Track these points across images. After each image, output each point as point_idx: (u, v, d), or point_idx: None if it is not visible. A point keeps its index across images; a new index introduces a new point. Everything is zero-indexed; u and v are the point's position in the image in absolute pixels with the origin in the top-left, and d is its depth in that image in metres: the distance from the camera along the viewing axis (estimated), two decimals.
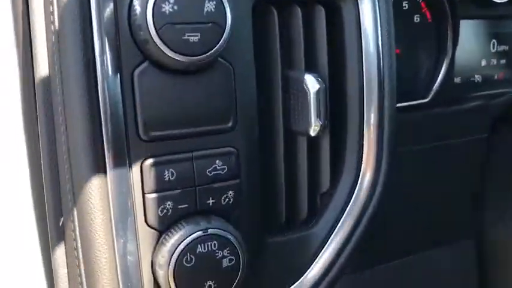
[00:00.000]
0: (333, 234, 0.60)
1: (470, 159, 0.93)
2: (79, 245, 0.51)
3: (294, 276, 0.59)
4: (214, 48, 0.48)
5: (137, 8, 0.46)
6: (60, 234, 0.53)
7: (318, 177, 0.61)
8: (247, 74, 0.53)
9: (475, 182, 0.98)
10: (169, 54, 0.46)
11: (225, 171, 0.52)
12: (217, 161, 0.52)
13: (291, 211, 0.61)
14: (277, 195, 0.59)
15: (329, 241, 0.60)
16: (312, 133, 0.56)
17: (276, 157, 0.59)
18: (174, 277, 0.50)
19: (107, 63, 0.47)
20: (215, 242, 0.50)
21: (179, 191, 0.50)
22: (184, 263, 0.49)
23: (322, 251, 0.59)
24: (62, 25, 0.47)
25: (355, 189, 0.60)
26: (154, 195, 0.50)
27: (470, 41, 0.83)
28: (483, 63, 0.85)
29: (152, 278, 0.51)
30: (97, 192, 0.48)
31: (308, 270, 0.59)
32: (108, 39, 0.47)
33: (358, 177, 0.60)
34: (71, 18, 0.46)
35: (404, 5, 0.77)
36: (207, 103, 0.51)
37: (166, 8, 0.46)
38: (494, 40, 0.86)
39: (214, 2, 0.47)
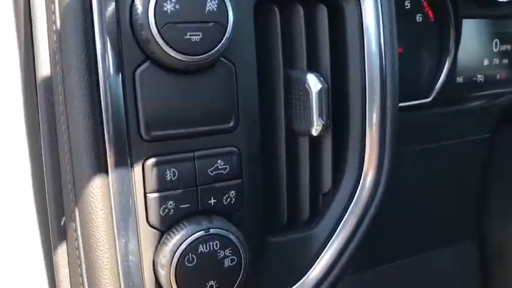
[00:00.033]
0: (335, 234, 0.59)
1: (472, 160, 0.93)
2: (80, 244, 0.51)
3: (296, 276, 0.59)
4: (216, 48, 0.48)
5: (139, 7, 0.46)
6: (62, 234, 0.53)
7: (320, 177, 0.61)
8: (249, 73, 0.53)
9: (477, 183, 0.97)
10: (171, 54, 0.46)
11: (226, 171, 0.52)
12: (219, 161, 0.52)
13: (292, 211, 0.60)
14: (279, 195, 0.59)
15: (331, 241, 0.59)
16: (314, 133, 0.56)
17: (278, 157, 0.59)
18: (175, 277, 0.49)
19: (108, 62, 0.47)
20: (217, 241, 0.50)
21: (181, 190, 0.50)
22: (186, 262, 0.49)
23: (324, 251, 0.59)
24: (64, 24, 0.47)
25: (357, 189, 0.60)
26: (156, 194, 0.49)
27: (472, 40, 0.83)
28: (485, 62, 0.85)
29: (154, 277, 0.51)
30: (99, 192, 0.48)
31: (310, 271, 0.59)
32: (110, 39, 0.47)
33: (360, 177, 0.60)
34: (73, 17, 0.46)
35: (406, 4, 0.77)
36: (208, 103, 0.51)
37: (168, 7, 0.46)
38: (496, 40, 0.85)
39: (216, 1, 0.47)
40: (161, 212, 0.50)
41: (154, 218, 0.50)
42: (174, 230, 0.50)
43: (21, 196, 0.55)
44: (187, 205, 0.51)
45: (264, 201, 0.57)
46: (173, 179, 0.50)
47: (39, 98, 0.52)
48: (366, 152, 0.59)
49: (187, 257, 0.49)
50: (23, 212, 0.56)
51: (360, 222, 0.60)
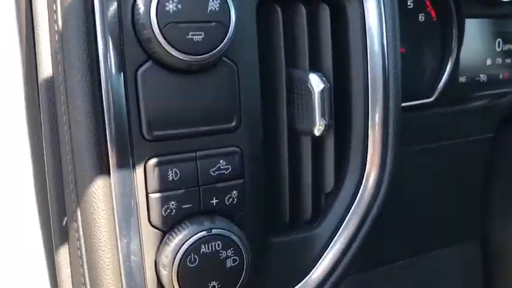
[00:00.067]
0: (337, 234, 0.59)
1: (475, 160, 0.93)
2: (82, 244, 0.51)
3: (298, 276, 0.59)
4: (218, 47, 0.48)
5: (141, 7, 0.46)
6: (64, 234, 0.53)
7: (322, 177, 0.61)
8: (251, 73, 0.53)
9: (480, 183, 0.97)
10: (173, 54, 0.46)
11: (228, 171, 0.52)
12: (221, 161, 0.51)
13: (295, 211, 0.60)
14: (281, 195, 0.59)
15: (333, 241, 0.59)
16: (317, 133, 0.56)
17: (280, 157, 0.58)
18: (177, 277, 0.49)
19: (110, 62, 0.47)
20: (219, 242, 0.50)
21: (183, 190, 0.50)
22: (188, 263, 0.49)
23: (327, 251, 0.59)
24: (66, 24, 0.47)
25: (359, 189, 0.60)
26: (157, 195, 0.49)
27: (475, 40, 0.83)
28: (488, 62, 0.84)
29: (156, 278, 0.51)
30: (100, 192, 0.48)
31: (312, 271, 0.59)
32: (112, 38, 0.47)
33: (363, 177, 0.59)
34: (75, 17, 0.46)
35: (409, 3, 0.77)
36: (210, 102, 0.50)
37: (170, 6, 0.45)
38: (499, 39, 0.85)
39: (218, 1, 0.47)
40: (163, 212, 0.50)
41: (156, 218, 0.50)
42: (176, 230, 0.50)
43: (23, 196, 0.55)
44: (189, 205, 0.50)
45: (266, 201, 0.56)
46: (175, 179, 0.50)
47: (41, 98, 0.52)
48: (368, 152, 0.59)
49: (189, 257, 0.49)
50: (24, 211, 0.56)
51: (362, 223, 0.60)
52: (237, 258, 0.51)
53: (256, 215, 0.55)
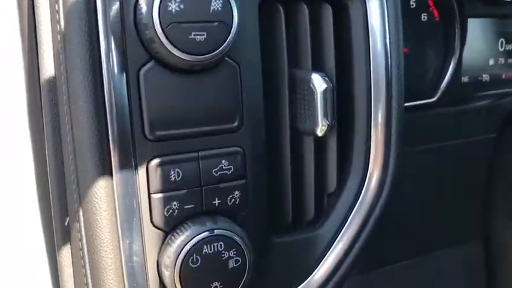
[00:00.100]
0: (340, 234, 0.59)
1: (477, 160, 0.93)
2: (85, 245, 0.51)
3: (301, 277, 0.59)
4: (221, 47, 0.47)
5: (143, 6, 0.46)
6: (66, 235, 0.53)
7: (325, 177, 0.60)
8: (253, 73, 0.53)
9: (482, 183, 0.97)
10: (176, 54, 0.46)
11: (231, 171, 0.52)
12: (223, 161, 0.51)
13: (297, 211, 0.60)
14: (284, 195, 0.59)
15: (336, 242, 0.59)
16: (319, 133, 0.55)
17: (283, 157, 0.58)
18: (180, 278, 0.49)
19: (112, 62, 0.47)
20: (221, 242, 0.50)
21: (185, 191, 0.50)
22: (190, 263, 0.49)
23: (329, 251, 0.59)
24: (68, 24, 0.47)
25: (362, 189, 0.59)
26: (160, 195, 0.49)
27: (478, 39, 0.83)
28: (491, 62, 0.84)
29: (158, 278, 0.51)
30: (103, 193, 0.48)
31: (315, 271, 0.59)
32: (114, 38, 0.47)
33: (366, 178, 0.59)
34: (77, 17, 0.46)
35: (412, 3, 0.77)
36: (213, 102, 0.50)
37: (173, 6, 0.45)
38: (502, 39, 0.85)
39: (220, 1, 0.47)
40: (165, 213, 0.50)
41: (158, 219, 0.50)
42: (178, 230, 0.50)
43: (25, 196, 0.55)
44: (192, 205, 0.50)
45: (269, 201, 0.56)
46: (177, 179, 0.49)
47: (43, 98, 0.52)
48: (371, 152, 0.59)
49: (191, 258, 0.49)
50: (26, 212, 0.56)
51: (365, 223, 0.59)
52: (240, 259, 0.51)
53: (259, 215, 0.55)
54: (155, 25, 0.45)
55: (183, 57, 0.46)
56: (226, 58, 0.50)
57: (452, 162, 0.88)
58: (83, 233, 0.50)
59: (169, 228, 0.50)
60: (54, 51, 0.50)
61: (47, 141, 0.52)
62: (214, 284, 0.50)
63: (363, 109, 0.58)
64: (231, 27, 0.48)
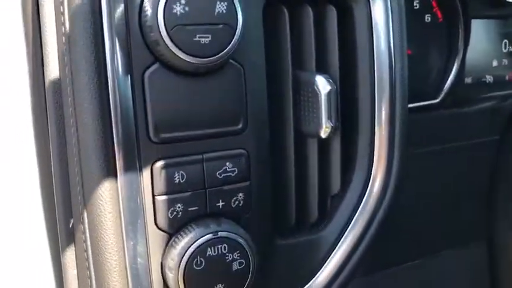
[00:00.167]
0: (344, 236, 0.59)
1: (481, 162, 0.92)
2: (89, 246, 0.51)
3: (304, 279, 0.59)
4: (226, 50, 0.47)
5: (148, 9, 0.46)
6: (70, 236, 0.53)
7: (329, 179, 0.60)
8: (257, 75, 0.53)
9: (486, 184, 0.97)
10: (180, 56, 0.46)
11: (235, 173, 0.52)
12: (227, 163, 0.51)
13: (301, 213, 0.60)
14: (288, 197, 0.59)
15: (339, 244, 0.59)
16: (323, 135, 0.55)
17: (287, 159, 0.58)
18: (184, 280, 0.49)
19: (117, 64, 0.47)
20: (225, 245, 0.50)
21: (189, 193, 0.50)
22: (194, 266, 0.49)
23: (333, 253, 0.59)
24: (73, 26, 0.47)
25: (366, 191, 0.59)
26: (164, 197, 0.49)
27: (481, 41, 0.82)
28: (494, 63, 0.84)
29: (162, 280, 0.51)
30: (107, 194, 0.48)
31: (318, 273, 0.59)
32: (119, 41, 0.47)
33: (369, 180, 0.59)
34: (82, 19, 0.46)
35: (415, 4, 0.77)
36: (217, 105, 0.50)
37: (178, 9, 0.45)
38: (505, 40, 0.85)
39: (225, 3, 0.47)
40: (169, 215, 0.50)
41: (162, 221, 0.50)
42: (182, 232, 0.50)
43: (29, 197, 0.55)
44: (196, 208, 0.50)
45: (272, 203, 0.56)
46: (181, 181, 0.50)
47: (47, 100, 0.52)
48: (374, 154, 0.59)
49: (195, 260, 0.49)
50: (31, 213, 0.56)
51: (368, 225, 0.59)
52: (243, 261, 0.51)
53: (263, 217, 0.55)
54: (160, 27, 0.45)
55: (188, 60, 0.46)
56: (231, 60, 0.50)
57: (456, 164, 0.88)
58: (88, 234, 0.50)
59: (174, 230, 0.50)
60: (59, 53, 0.50)
61: (52, 143, 0.52)
62: (218, 286, 0.50)
63: (367, 111, 0.58)
64: (236, 30, 0.48)
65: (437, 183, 0.88)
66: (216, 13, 0.47)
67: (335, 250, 0.59)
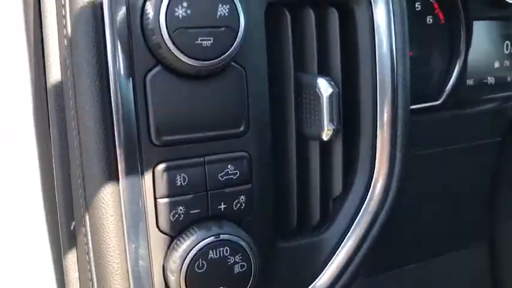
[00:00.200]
0: (345, 239, 0.59)
1: (482, 163, 0.92)
2: (91, 249, 0.51)
3: (306, 281, 0.59)
4: (227, 53, 0.47)
5: (150, 12, 0.46)
6: (72, 239, 0.53)
7: (330, 181, 0.60)
8: (259, 77, 0.53)
9: (488, 186, 0.97)
10: (182, 59, 0.46)
11: (236, 176, 0.52)
12: (229, 166, 0.51)
13: (303, 216, 0.60)
14: (289, 199, 0.59)
15: (341, 246, 0.59)
16: (325, 137, 0.55)
17: (288, 161, 0.58)
18: (185, 282, 0.49)
19: (119, 67, 0.47)
20: (227, 247, 0.50)
21: (191, 196, 0.50)
22: (196, 268, 0.49)
23: (334, 256, 0.59)
24: (75, 29, 0.47)
25: (367, 193, 0.59)
26: (166, 200, 0.49)
27: (483, 42, 0.82)
28: (496, 65, 0.84)
29: (164, 283, 0.51)
30: (109, 197, 0.48)
31: (320, 276, 0.59)
32: (121, 43, 0.47)
33: (371, 182, 0.59)
34: (84, 22, 0.46)
35: (417, 5, 0.76)
36: (219, 107, 0.50)
37: (180, 12, 0.45)
38: (507, 41, 0.84)
39: (227, 6, 0.47)
40: (171, 218, 0.50)
41: (164, 224, 0.50)
42: (184, 235, 0.50)
43: (31, 201, 0.55)
44: (197, 210, 0.50)
45: (274, 206, 0.56)
46: (183, 184, 0.50)
47: (49, 102, 0.52)
48: (376, 156, 0.59)
49: (197, 263, 0.49)
50: (32, 216, 0.56)
51: (370, 227, 0.59)
52: (245, 264, 0.51)
53: (264, 220, 0.55)
54: (162, 30, 0.45)
55: (190, 63, 0.46)
56: (233, 63, 0.50)
57: (457, 166, 0.88)
58: (89, 237, 0.50)
59: (175, 233, 0.50)
60: (61, 56, 0.50)
61: (54, 145, 0.52)
62: None
63: (369, 113, 0.58)
64: (238, 33, 0.48)
65: (439, 185, 0.88)
66: (218, 16, 0.47)
67: (337, 253, 0.59)
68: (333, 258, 0.59)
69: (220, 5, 0.47)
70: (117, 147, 0.47)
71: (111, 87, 0.47)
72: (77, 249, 0.54)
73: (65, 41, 0.48)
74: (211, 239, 0.50)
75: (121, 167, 0.48)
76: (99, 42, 0.46)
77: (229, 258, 0.50)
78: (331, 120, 0.55)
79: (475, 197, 0.96)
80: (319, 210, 0.60)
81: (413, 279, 0.94)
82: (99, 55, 0.46)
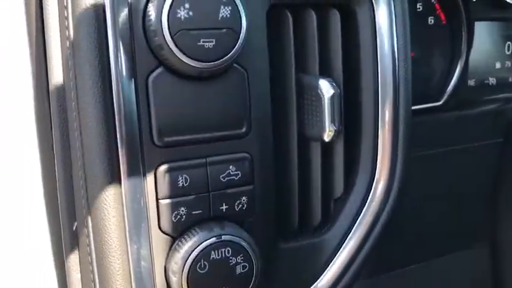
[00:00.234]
0: (347, 240, 0.59)
1: (484, 164, 0.92)
2: (93, 250, 0.51)
3: (307, 282, 0.59)
4: (229, 54, 0.47)
5: (152, 13, 0.46)
6: (74, 240, 0.53)
7: (332, 182, 0.60)
8: (261, 79, 0.53)
9: (489, 187, 0.97)
10: (184, 60, 0.46)
11: (238, 177, 0.52)
12: (230, 167, 0.51)
13: (304, 217, 0.60)
14: (291, 200, 0.59)
15: (342, 247, 0.59)
16: (326, 138, 0.55)
17: (290, 162, 0.58)
18: (187, 283, 0.49)
19: (121, 68, 0.47)
20: (229, 248, 0.50)
21: (193, 196, 0.50)
22: (198, 269, 0.49)
23: (336, 257, 0.59)
24: (77, 30, 0.47)
25: (369, 194, 0.59)
26: (168, 201, 0.49)
27: (484, 43, 0.82)
28: (497, 65, 0.84)
29: (165, 284, 0.51)
30: (111, 199, 0.48)
31: (321, 277, 0.59)
32: (123, 45, 0.47)
33: (372, 183, 0.59)
34: (86, 23, 0.46)
35: (418, 6, 0.76)
36: (221, 108, 0.50)
37: (182, 13, 0.45)
38: (509, 42, 0.85)
39: (229, 8, 0.47)
40: (173, 218, 0.50)
41: (166, 224, 0.50)
42: (186, 236, 0.50)
43: (32, 201, 0.55)
44: (199, 211, 0.51)
45: (276, 207, 0.56)
46: (185, 185, 0.50)
47: (51, 104, 0.52)
48: (378, 157, 0.59)
49: (199, 263, 0.49)
50: (34, 217, 0.56)
51: (372, 228, 0.59)
52: (247, 265, 0.51)
53: (266, 220, 0.55)
54: (164, 32, 0.45)
55: (192, 64, 0.46)
56: (235, 64, 0.50)
57: (459, 166, 0.88)
58: (91, 238, 0.50)
59: (177, 233, 0.50)
60: (63, 57, 0.50)
61: (56, 147, 0.52)
62: None
63: (370, 114, 0.58)
64: (240, 34, 0.48)
65: (441, 186, 0.88)
66: (220, 17, 0.47)
67: (338, 253, 0.59)
68: (335, 259, 0.59)
69: (222, 7, 0.47)
70: (119, 148, 0.48)
71: (113, 88, 0.47)
72: (79, 250, 0.54)
73: (67, 43, 0.48)
74: (213, 239, 0.50)
75: (123, 168, 0.48)
76: (101, 44, 0.46)
77: (231, 259, 0.50)
78: (332, 121, 0.55)
79: (477, 198, 0.96)
80: (320, 211, 0.60)
81: (415, 280, 0.94)
82: (101, 56, 0.47)
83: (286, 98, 0.57)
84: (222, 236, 0.50)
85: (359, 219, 0.59)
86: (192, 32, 0.46)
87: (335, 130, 0.55)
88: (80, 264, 0.54)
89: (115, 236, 0.49)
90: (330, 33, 0.58)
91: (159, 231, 0.50)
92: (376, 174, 0.59)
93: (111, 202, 0.48)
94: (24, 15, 0.53)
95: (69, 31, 0.47)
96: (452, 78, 0.80)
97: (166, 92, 0.48)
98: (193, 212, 0.50)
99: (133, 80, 0.47)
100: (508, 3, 0.80)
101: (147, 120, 0.48)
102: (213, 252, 0.50)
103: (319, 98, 0.55)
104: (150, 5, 0.46)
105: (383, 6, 0.57)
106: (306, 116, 0.57)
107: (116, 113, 0.47)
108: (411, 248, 0.89)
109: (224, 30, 0.47)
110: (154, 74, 0.48)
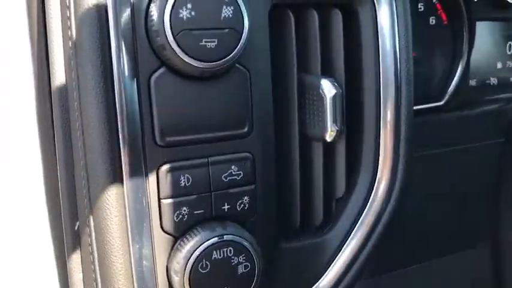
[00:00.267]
0: (348, 240, 0.59)
1: (486, 164, 0.92)
2: (95, 250, 0.51)
3: (309, 282, 0.59)
4: (232, 54, 0.47)
5: (154, 13, 0.46)
6: (76, 239, 0.53)
7: (334, 182, 0.60)
8: (263, 79, 0.53)
9: (491, 186, 0.97)
10: (187, 60, 0.46)
11: (240, 176, 0.52)
12: (232, 167, 0.52)
13: (306, 216, 0.60)
14: (293, 200, 0.59)
15: (344, 247, 0.59)
16: (328, 138, 0.55)
17: (292, 162, 0.58)
18: (189, 283, 0.49)
19: (123, 68, 0.47)
20: (231, 248, 0.50)
21: (195, 196, 0.50)
22: (200, 269, 0.49)
23: (337, 257, 0.59)
24: (79, 31, 0.47)
25: (371, 194, 0.59)
26: (170, 200, 0.50)
27: (486, 43, 0.82)
28: (499, 65, 0.84)
29: (167, 283, 0.51)
30: (113, 198, 0.48)
31: (323, 277, 0.59)
32: (125, 45, 0.47)
33: (374, 183, 0.59)
34: (88, 23, 0.46)
35: (420, 6, 0.77)
36: (223, 108, 0.51)
37: (184, 13, 0.45)
38: (510, 42, 0.85)
39: (231, 8, 0.47)
40: (175, 218, 0.50)
41: (168, 224, 0.50)
42: (187, 236, 0.50)
43: (34, 201, 0.55)
44: (201, 211, 0.51)
45: (277, 206, 0.56)
46: (187, 184, 0.50)
47: (53, 104, 0.52)
48: (380, 157, 0.59)
49: (201, 263, 0.49)
50: (36, 216, 0.56)
51: (373, 228, 0.59)
52: (249, 264, 0.51)
53: (268, 220, 0.55)
54: (166, 32, 0.45)
55: (194, 64, 0.46)
56: (237, 64, 0.50)
57: (461, 166, 0.88)
58: (93, 238, 0.50)
59: (179, 233, 0.50)
60: (65, 57, 0.50)
61: (58, 146, 0.53)
62: None
63: (372, 114, 0.58)
64: (242, 34, 0.48)
65: (442, 186, 0.88)
66: (222, 17, 0.47)
67: (340, 253, 0.59)
68: (336, 259, 0.59)
69: (224, 7, 0.47)
70: (121, 148, 0.48)
71: (115, 88, 0.47)
72: (80, 250, 0.54)
73: (69, 43, 0.48)
74: (215, 239, 0.50)
75: (125, 167, 0.48)
76: (103, 44, 0.47)
77: (233, 259, 0.51)
78: (334, 121, 0.55)
79: (478, 198, 0.96)
80: (322, 211, 0.60)
81: (416, 280, 0.94)
82: (104, 56, 0.47)
83: (288, 98, 0.57)
84: (224, 236, 0.50)
85: (361, 219, 0.59)
86: (194, 32, 0.46)
87: (337, 130, 0.55)
88: (81, 264, 0.54)
89: (117, 235, 0.49)
90: (332, 33, 0.58)
91: (161, 230, 0.50)
92: (378, 174, 0.59)
93: (113, 202, 0.48)
94: (26, 16, 0.53)
95: (71, 31, 0.48)
96: (453, 78, 0.80)
97: (169, 92, 0.48)
98: (195, 212, 0.50)
99: (135, 80, 0.47)
100: (510, 3, 0.80)
101: (149, 120, 0.48)
102: (215, 252, 0.50)
103: (321, 98, 0.55)
104: (152, 5, 0.46)
105: (385, 6, 0.57)
106: (307, 115, 0.57)
107: (118, 113, 0.47)
108: (413, 248, 0.89)
109: (226, 30, 0.47)
110: (157, 74, 0.48)
